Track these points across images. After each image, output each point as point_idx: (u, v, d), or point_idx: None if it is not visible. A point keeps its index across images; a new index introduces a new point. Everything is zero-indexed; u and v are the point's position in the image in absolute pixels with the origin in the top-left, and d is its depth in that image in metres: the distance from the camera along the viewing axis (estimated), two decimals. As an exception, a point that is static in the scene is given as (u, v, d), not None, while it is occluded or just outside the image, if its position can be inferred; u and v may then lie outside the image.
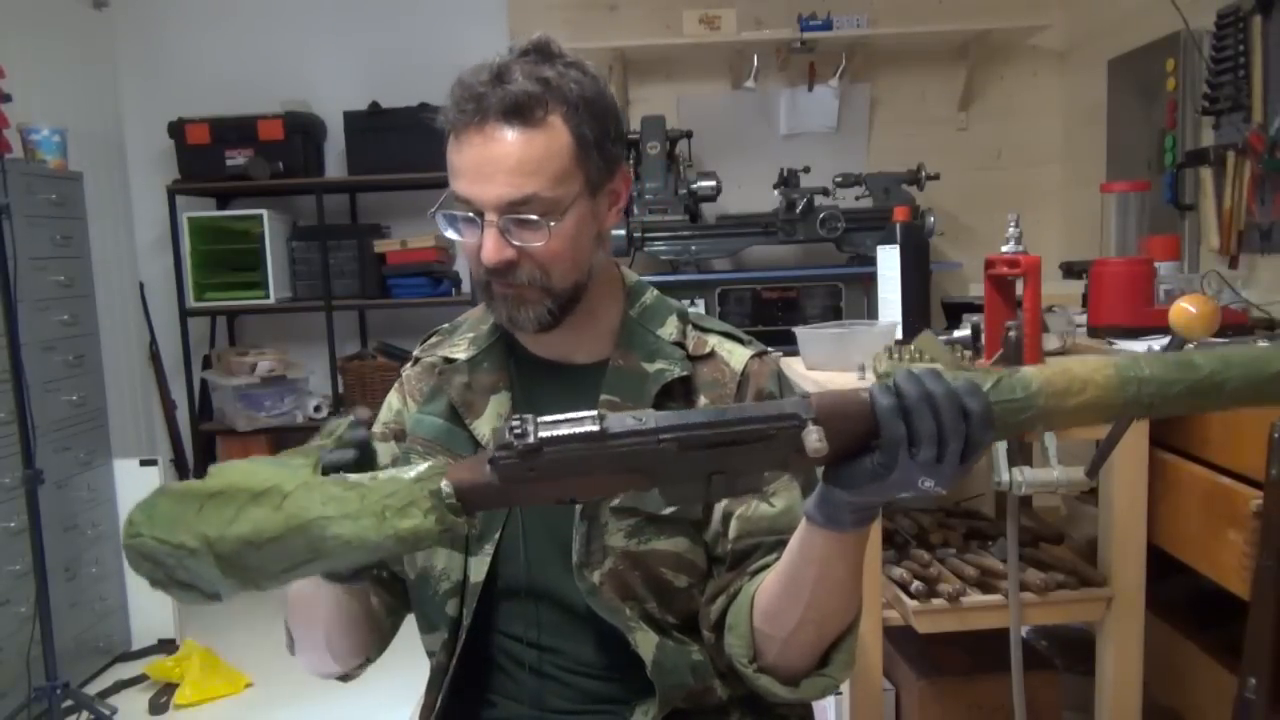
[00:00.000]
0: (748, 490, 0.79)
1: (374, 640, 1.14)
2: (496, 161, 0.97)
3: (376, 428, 1.18)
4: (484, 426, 1.08)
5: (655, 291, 1.16)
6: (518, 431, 0.75)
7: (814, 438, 0.74)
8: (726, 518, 1.05)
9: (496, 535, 1.07)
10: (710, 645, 1.05)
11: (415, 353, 1.21)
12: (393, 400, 1.20)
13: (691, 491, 0.78)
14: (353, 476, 0.77)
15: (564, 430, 0.75)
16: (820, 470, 0.81)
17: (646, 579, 1.04)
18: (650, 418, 0.77)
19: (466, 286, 3.69)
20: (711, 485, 0.78)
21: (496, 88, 0.97)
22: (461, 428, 1.10)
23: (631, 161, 3.42)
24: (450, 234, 1.04)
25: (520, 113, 0.97)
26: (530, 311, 1.03)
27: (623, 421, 0.76)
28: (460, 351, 1.15)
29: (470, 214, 1.00)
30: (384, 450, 1.15)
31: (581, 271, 1.04)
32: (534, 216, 0.98)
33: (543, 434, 0.75)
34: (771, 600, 0.96)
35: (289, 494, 0.75)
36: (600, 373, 1.09)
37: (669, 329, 1.11)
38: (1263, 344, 0.79)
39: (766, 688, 0.99)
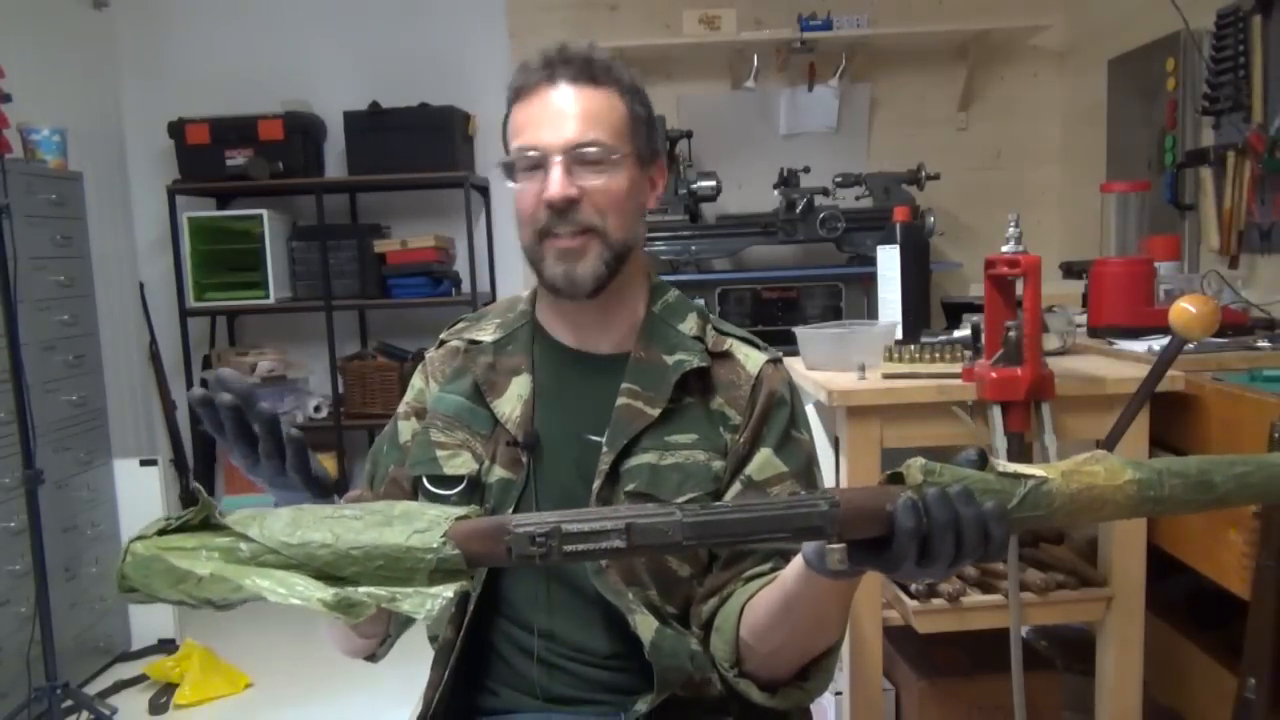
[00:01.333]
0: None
1: (392, 621, 1.15)
2: (565, 109, 1.07)
3: (401, 408, 1.23)
4: (504, 406, 1.13)
5: (678, 291, 1.21)
6: (541, 539, 0.72)
7: (835, 559, 0.75)
8: None
9: (509, 513, 1.08)
10: (699, 642, 1.08)
11: (442, 336, 1.26)
12: (416, 380, 1.24)
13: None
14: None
15: (588, 545, 0.72)
16: None
17: (651, 566, 1.07)
18: (674, 514, 0.73)
19: (467, 287, 3.69)
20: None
21: (564, 56, 1.09)
22: (483, 406, 1.14)
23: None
24: (511, 184, 1.10)
25: (589, 72, 1.09)
26: (588, 265, 1.08)
27: (649, 522, 0.73)
28: (487, 335, 1.20)
29: (536, 159, 1.07)
30: (405, 427, 1.21)
31: (631, 233, 1.11)
32: (597, 155, 1.06)
33: (566, 548, 0.72)
34: (759, 620, 1.00)
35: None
36: (621, 364, 1.12)
37: (690, 324, 1.16)
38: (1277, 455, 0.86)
39: (744, 691, 1.03)
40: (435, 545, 0.72)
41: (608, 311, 1.14)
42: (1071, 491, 0.78)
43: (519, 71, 1.11)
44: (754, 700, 1.03)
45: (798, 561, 0.91)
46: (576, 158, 1.06)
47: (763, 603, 0.99)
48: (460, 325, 1.25)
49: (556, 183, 1.05)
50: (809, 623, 0.96)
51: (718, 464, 1.09)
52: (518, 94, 1.10)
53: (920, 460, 0.79)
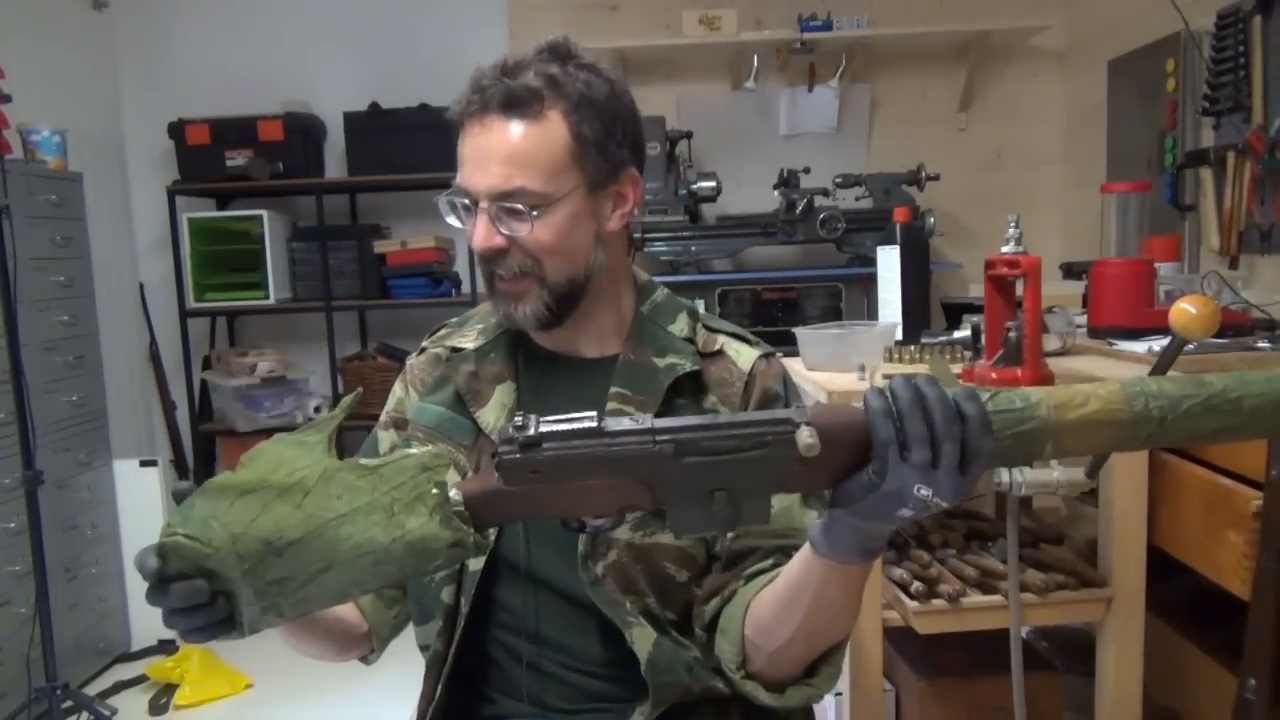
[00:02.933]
0: (754, 517, 0.78)
1: (373, 634, 1.17)
2: (491, 152, 1.01)
3: (381, 417, 1.21)
4: (488, 415, 1.10)
5: (666, 290, 1.18)
6: (519, 425, 0.77)
7: (805, 434, 0.74)
8: None
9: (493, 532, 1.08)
10: (701, 644, 1.06)
11: (423, 343, 1.23)
12: (396, 389, 1.22)
13: (696, 513, 0.78)
14: (365, 461, 0.78)
15: (564, 426, 0.77)
16: (828, 495, 0.80)
17: (649, 573, 1.04)
18: (647, 420, 0.77)
19: (467, 287, 3.69)
20: (715, 504, 0.77)
21: (499, 82, 1.01)
22: (465, 416, 1.11)
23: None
24: (452, 220, 1.08)
25: (517, 106, 1.00)
26: (528, 308, 1.05)
27: (620, 422, 0.77)
28: (469, 341, 1.17)
29: (466, 201, 1.04)
30: (385, 438, 1.19)
31: (576, 268, 1.06)
32: (520, 206, 1.01)
33: (543, 429, 0.77)
34: (765, 616, 0.97)
35: (310, 491, 0.76)
36: (609, 367, 1.10)
37: (680, 325, 1.13)
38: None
39: (751, 693, 1.00)
40: (429, 462, 0.77)
41: (583, 323, 1.11)
42: (1048, 389, 0.76)
43: (461, 92, 1.04)
44: (761, 701, 1.00)
45: (803, 551, 0.89)
46: (501, 208, 1.01)
47: (768, 598, 0.97)
48: (443, 332, 1.23)
49: (478, 235, 1.02)
50: (817, 615, 0.92)
51: None
52: (458, 119, 1.05)
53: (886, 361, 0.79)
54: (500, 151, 1.00)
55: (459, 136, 1.05)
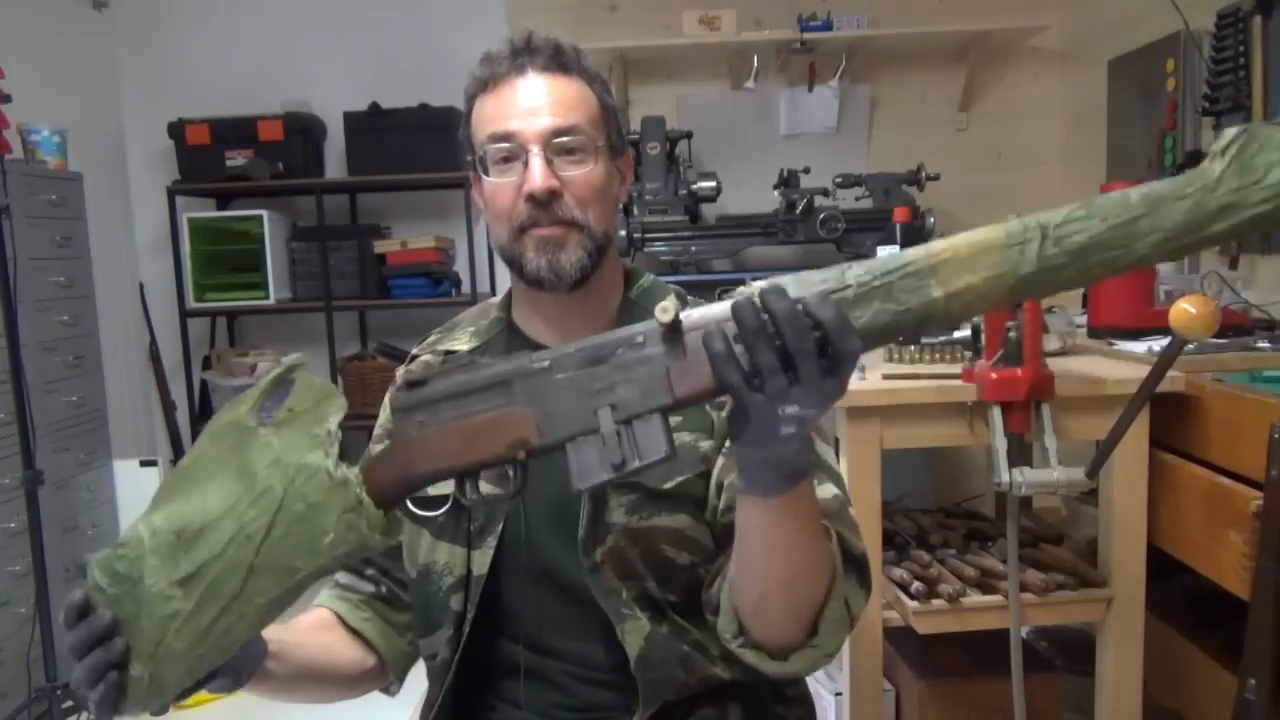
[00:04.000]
0: (652, 446, 0.75)
1: (389, 667, 1.17)
2: (542, 98, 1.04)
3: (375, 430, 1.19)
4: None
5: (653, 276, 1.19)
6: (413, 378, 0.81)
7: (659, 307, 0.74)
8: (719, 487, 1.04)
9: (499, 528, 1.07)
10: (712, 628, 1.03)
11: (414, 351, 1.22)
12: (388, 400, 1.20)
13: (590, 450, 0.75)
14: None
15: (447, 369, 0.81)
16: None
17: (647, 556, 1.03)
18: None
19: (467, 287, 3.69)
20: (604, 430, 0.75)
21: (531, 45, 1.06)
22: None
23: (632, 162, 3.42)
24: (490, 178, 1.06)
25: (560, 60, 1.07)
26: (571, 254, 1.05)
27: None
28: (462, 344, 1.16)
29: (511, 149, 1.04)
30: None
31: (609, 224, 1.09)
32: (576, 145, 1.04)
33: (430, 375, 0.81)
34: (735, 576, 0.95)
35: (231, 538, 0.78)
36: None
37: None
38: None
39: (754, 663, 0.97)
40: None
41: (586, 303, 1.10)
42: (928, 249, 0.71)
43: (483, 63, 1.07)
44: (767, 671, 0.96)
45: (737, 499, 0.87)
46: (555, 148, 1.03)
47: (733, 557, 0.94)
48: (433, 338, 1.22)
49: (539, 173, 1.02)
50: (772, 562, 0.88)
51: (705, 444, 1.06)
52: (484, 85, 1.06)
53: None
54: (550, 96, 1.04)
55: (483, 100, 1.07)
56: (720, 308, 0.74)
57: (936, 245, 0.71)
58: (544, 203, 1.03)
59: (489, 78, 1.06)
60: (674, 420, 1.03)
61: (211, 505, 0.79)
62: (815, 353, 0.70)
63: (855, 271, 0.73)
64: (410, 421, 0.80)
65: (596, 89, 1.08)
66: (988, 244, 0.70)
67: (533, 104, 1.04)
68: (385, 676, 1.17)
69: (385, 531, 0.79)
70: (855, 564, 0.97)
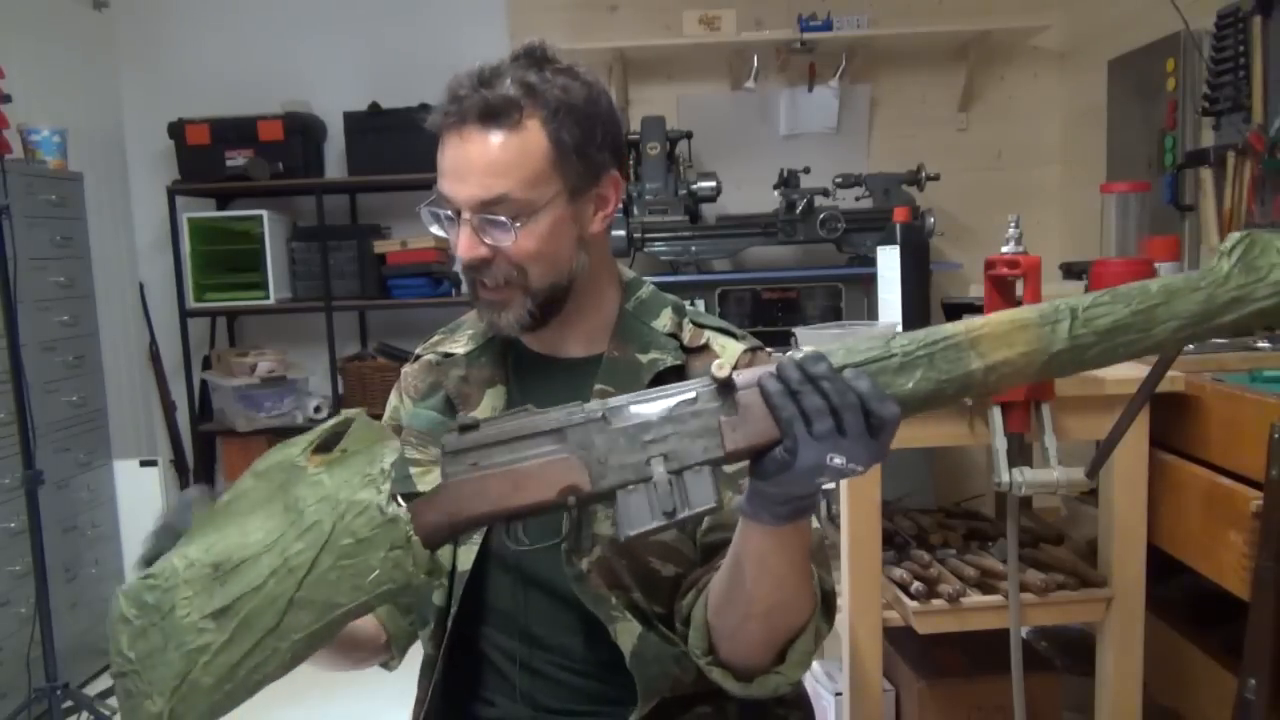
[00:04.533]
0: (701, 496, 0.78)
1: (393, 642, 1.17)
2: (471, 162, 1.00)
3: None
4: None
5: (652, 287, 1.17)
6: (465, 423, 0.82)
7: (715, 365, 0.78)
8: None
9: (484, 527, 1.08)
10: (682, 639, 1.05)
11: (417, 350, 1.24)
12: (391, 398, 1.23)
13: (640, 498, 0.78)
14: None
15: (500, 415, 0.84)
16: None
17: (633, 567, 1.04)
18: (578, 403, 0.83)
19: (466, 287, 3.69)
20: (655, 480, 0.77)
21: (476, 92, 1.00)
22: (455, 419, 1.11)
23: (631, 162, 3.42)
24: (435, 230, 1.08)
25: (495, 116, 1.00)
26: (510, 315, 1.06)
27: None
28: (460, 347, 1.18)
29: (449, 212, 1.04)
30: None
31: (560, 273, 1.06)
32: (503, 217, 1.00)
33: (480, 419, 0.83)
34: (717, 595, 0.96)
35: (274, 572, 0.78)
36: (595, 365, 1.10)
37: (663, 321, 1.13)
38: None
39: (719, 681, 0.99)
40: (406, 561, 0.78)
41: (569, 323, 1.11)
42: (968, 324, 0.78)
43: (439, 103, 1.03)
44: (729, 690, 0.98)
45: (740, 521, 0.88)
46: (484, 218, 1.01)
47: (719, 577, 0.96)
48: (436, 338, 1.24)
49: (462, 246, 1.02)
50: (762, 589, 0.90)
51: None
52: (437, 129, 1.04)
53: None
54: (480, 161, 1.00)
55: (438, 146, 1.04)
56: (767, 367, 0.80)
57: (976, 321, 0.78)
58: (477, 267, 1.04)
59: (439, 125, 1.03)
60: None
61: (252, 540, 0.78)
62: (859, 406, 0.75)
63: (900, 341, 0.78)
64: (461, 464, 0.80)
65: (551, 128, 1.00)
66: (1023, 322, 0.77)
67: (459, 169, 1.01)
68: (389, 650, 1.18)
69: (431, 571, 0.80)
70: (825, 600, 1.00)
